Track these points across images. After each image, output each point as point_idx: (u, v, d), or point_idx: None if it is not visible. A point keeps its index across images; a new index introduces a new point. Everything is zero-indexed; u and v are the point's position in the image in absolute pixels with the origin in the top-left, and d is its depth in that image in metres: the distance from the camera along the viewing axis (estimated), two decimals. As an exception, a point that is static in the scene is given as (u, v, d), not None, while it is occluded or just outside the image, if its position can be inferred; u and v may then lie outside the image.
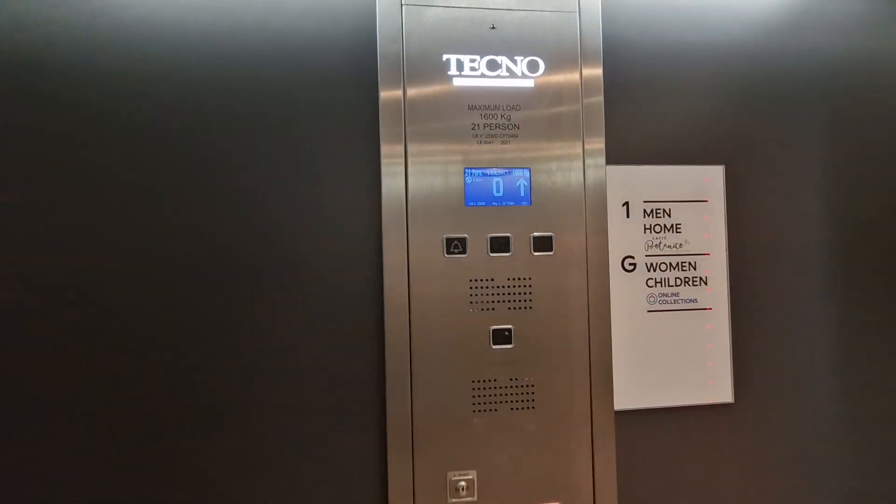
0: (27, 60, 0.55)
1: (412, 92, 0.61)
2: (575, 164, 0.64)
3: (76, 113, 0.56)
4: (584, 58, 0.65)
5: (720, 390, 0.67)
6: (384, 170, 0.61)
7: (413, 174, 0.61)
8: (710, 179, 0.68)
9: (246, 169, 0.59)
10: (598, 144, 0.65)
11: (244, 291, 0.59)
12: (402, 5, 0.61)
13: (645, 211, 0.67)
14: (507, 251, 0.62)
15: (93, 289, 0.56)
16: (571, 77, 0.64)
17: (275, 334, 0.59)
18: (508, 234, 0.62)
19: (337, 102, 0.61)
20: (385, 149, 0.61)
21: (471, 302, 0.62)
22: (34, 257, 0.55)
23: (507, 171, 0.63)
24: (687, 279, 0.67)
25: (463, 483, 0.61)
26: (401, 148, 0.61)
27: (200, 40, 0.59)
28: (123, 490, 0.56)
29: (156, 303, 0.57)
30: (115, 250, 0.56)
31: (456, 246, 0.61)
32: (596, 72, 0.65)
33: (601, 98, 0.65)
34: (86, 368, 0.56)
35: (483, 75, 0.63)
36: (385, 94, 0.61)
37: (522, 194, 0.63)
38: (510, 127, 0.63)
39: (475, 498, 0.61)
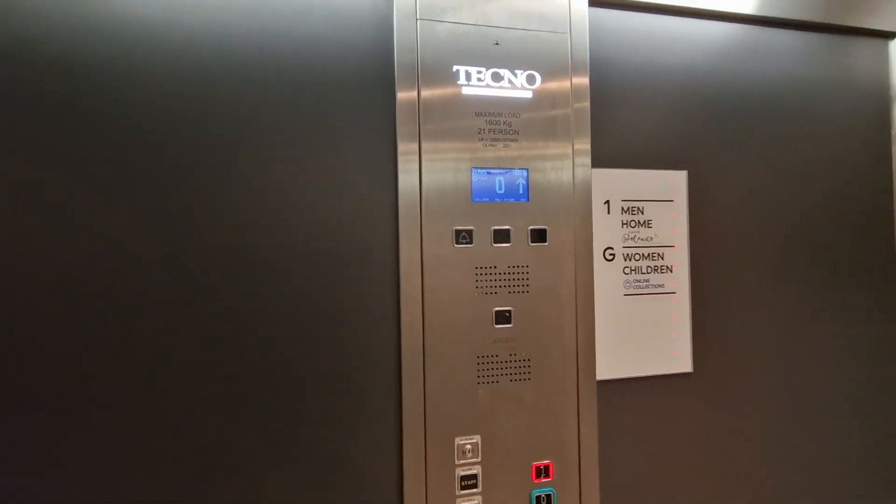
0: (63, 58, 0.58)
1: (426, 94, 0.68)
2: (566, 163, 0.73)
3: (106, 109, 0.59)
4: (574, 69, 0.74)
5: (682, 362, 0.79)
6: (400, 166, 0.67)
7: (426, 171, 0.68)
8: (676, 182, 0.79)
9: (274, 163, 0.64)
10: (585, 145, 0.74)
11: (271, 276, 0.64)
12: (417, 20, 0.68)
13: (622, 208, 0.77)
14: (508, 242, 0.71)
15: (102, 285, 0.59)
16: (563, 85, 0.73)
17: (301, 318, 0.64)
18: (509, 227, 0.71)
19: (358, 102, 0.67)
20: (402, 146, 0.67)
21: (476, 287, 0.70)
22: (40, 253, 0.57)
23: (508, 170, 0.71)
24: (656, 267, 0.78)
25: (469, 446, 0.69)
26: (415, 146, 0.68)
27: (233, 42, 0.63)
28: (136, 488, 0.60)
29: (181, 295, 0.61)
30: (138, 243, 0.60)
31: (464, 237, 0.69)
32: (584, 81, 0.74)
33: (587, 104, 0.74)
34: (92, 365, 0.59)
35: (488, 85, 0.70)
36: (402, 95, 0.67)
37: (521, 192, 0.71)
38: (511, 132, 0.71)
39: (479, 458, 0.69)
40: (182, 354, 0.61)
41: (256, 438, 0.63)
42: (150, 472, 0.60)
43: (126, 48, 0.60)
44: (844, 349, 0.87)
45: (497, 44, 0.71)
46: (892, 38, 0.91)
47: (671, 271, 0.79)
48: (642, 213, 0.78)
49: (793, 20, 0.85)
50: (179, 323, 0.61)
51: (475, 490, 0.69)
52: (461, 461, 0.68)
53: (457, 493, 0.68)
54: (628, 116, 0.78)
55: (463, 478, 0.68)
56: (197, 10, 0.62)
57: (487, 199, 0.70)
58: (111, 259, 0.59)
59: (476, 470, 0.69)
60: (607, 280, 0.76)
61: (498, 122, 0.71)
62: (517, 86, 0.71)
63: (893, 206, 0.91)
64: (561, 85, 0.73)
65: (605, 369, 0.76)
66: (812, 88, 0.88)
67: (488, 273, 0.70)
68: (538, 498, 0.71)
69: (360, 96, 0.67)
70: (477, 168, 0.70)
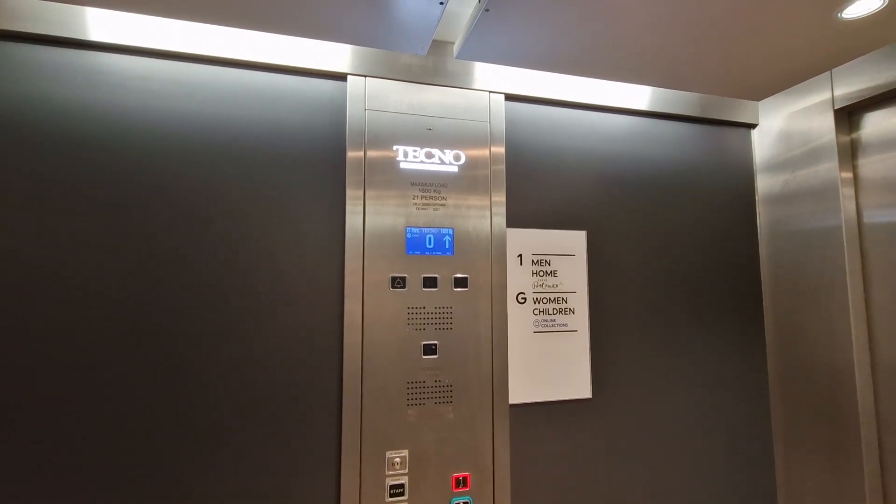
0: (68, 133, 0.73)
1: (371, 155, 0.85)
2: (485, 213, 0.90)
3: (100, 179, 0.74)
4: (493, 142, 0.92)
5: (582, 388, 0.95)
6: (348, 208, 0.83)
7: (370, 213, 0.84)
8: (576, 240, 0.98)
9: (244, 223, 0.79)
10: (501, 198, 0.91)
11: (234, 313, 0.77)
12: (365, 109, 0.86)
13: (532, 260, 0.95)
14: (436, 287, 0.87)
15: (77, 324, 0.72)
16: (483, 153, 0.92)
17: (258, 347, 0.78)
18: (436, 275, 0.87)
19: (315, 167, 0.83)
20: (349, 192, 0.83)
21: (408, 323, 0.85)
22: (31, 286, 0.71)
23: (436, 229, 0.88)
24: (561, 309, 0.95)
25: (398, 459, 0.82)
26: (361, 192, 0.84)
27: (215, 126, 0.79)
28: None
29: (150, 333, 0.74)
30: (120, 286, 0.73)
31: (398, 282, 0.85)
32: (500, 150, 0.93)
33: (503, 167, 0.92)
34: (63, 383, 0.71)
35: (422, 161, 0.88)
36: (351, 154, 0.84)
37: (447, 246, 0.88)
38: (440, 198, 0.88)
39: (406, 470, 0.82)
40: (141, 378, 0.73)
41: (208, 453, 0.75)
42: (102, 485, 0.71)
43: (123, 129, 0.75)
44: (716, 379, 1.05)
45: (430, 129, 0.89)
46: (754, 128, 1.15)
47: (573, 312, 0.96)
48: (549, 264, 0.96)
49: (676, 114, 1.08)
50: (149, 348, 0.74)
51: (402, 498, 0.81)
52: (391, 472, 0.81)
53: (386, 500, 0.81)
54: (538, 186, 0.97)
55: (392, 486, 0.81)
56: (188, 102, 0.78)
57: (419, 252, 0.87)
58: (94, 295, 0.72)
59: (404, 480, 0.82)
60: (519, 319, 0.93)
61: (429, 190, 0.88)
62: (446, 162, 0.90)
63: (759, 261, 1.11)
64: (481, 153, 0.92)
65: (518, 394, 0.91)
66: (690, 166, 1.09)
67: (418, 312, 0.85)
68: (457, 505, 0.84)
69: (317, 162, 0.84)
70: (411, 227, 0.86)
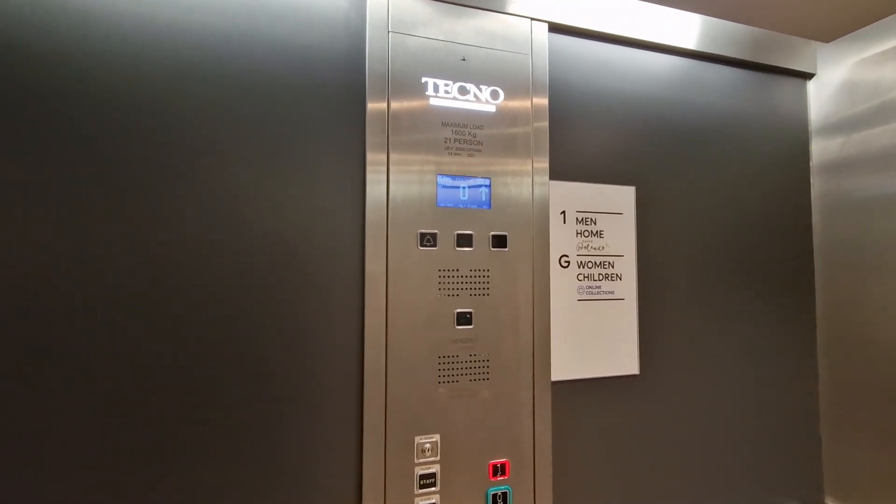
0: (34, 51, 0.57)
1: (395, 105, 0.71)
2: (525, 179, 0.78)
3: (72, 104, 0.58)
4: (535, 90, 0.79)
5: (629, 364, 0.84)
6: (369, 176, 0.69)
7: (394, 181, 0.70)
8: (625, 196, 0.86)
9: (242, 165, 0.65)
10: (544, 164, 0.79)
11: (237, 275, 0.64)
12: (388, 32, 0.71)
13: (577, 219, 0.83)
14: (471, 246, 0.74)
15: (64, 291, 0.58)
16: (524, 104, 0.78)
17: (267, 318, 0.65)
18: (472, 232, 0.74)
19: (329, 95, 0.69)
20: (370, 132, 0.69)
21: (439, 289, 0.72)
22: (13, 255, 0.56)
23: (472, 178, 0.75)
24: (607, 275, 0.84)
25: (428, 445, 0.70)
26: (384, 156, 0.70)
27: (207, 41, 0.64)
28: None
29: (142, 300, 0.60)
30: (98, 247, 0.59)
31: (428, 240, 0.72)
32: (543, 101, 0.80)
33: (546, 124, 0.80)
34: (56, 370, 0.57)
35: (455, 98, 0.74)
36: (372, 106, 0.70)
37: (484, 199, 0.75)
38: (475, 143, 0.75)
39: (438, 457, 0.71)
40: (148, 349, 0.59)
41: (220, 436, 0.62)
42: (114, 470, 0.57)
43: (95, 42, 0.59)
44: (765, 353, 0.96)
45: (464, 59, 0.75)
46: (810, 79, 1.03)
47: (621, 279, 0.85)
48: (595, 223, 0.84)
49: (726, 56, 0.96)
50: (144, 320, 0.59)
51: (433, 489, 0.70)
52: (420, 460, 0.70)
53: (415, 491, 0.69)
54: (583, 134, 0.84)
55: (422, 476, 0.69)
56: (171, 8, 0.63)
57: (451, 205, 0.73)
58: (72, 255, 0.57)
59: (435, 469, 0.70)
60: (563, 285, 0.81)
61: (463, 132, 0.74)
62: (482, 100, 0.76)
63: (811, 226, 1.01)
64: (522, 104, 0.78)
65: (561, 371, 0.79)
66: (741, 118, 0.98)
67: (451, 275, 0.73)
68: (494, 496, 0.73)
69: (329, 93, 0.69)
70: (442, 175, 0.73)
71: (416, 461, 0.70)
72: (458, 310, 0.73)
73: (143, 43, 0.61)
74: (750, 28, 0.97)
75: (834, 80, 0.99)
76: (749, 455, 0.93)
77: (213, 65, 0.64)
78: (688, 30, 0.91)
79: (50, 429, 0.56)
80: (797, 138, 1.02)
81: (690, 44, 0.92)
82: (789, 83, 1.03)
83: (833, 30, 0.92)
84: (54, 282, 0.56)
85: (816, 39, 0.99)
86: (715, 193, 0.94)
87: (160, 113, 0.61)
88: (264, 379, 0.64)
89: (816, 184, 1.02)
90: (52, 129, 0.57)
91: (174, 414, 0.60)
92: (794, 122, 1.02)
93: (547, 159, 0.79)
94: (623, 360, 0.84)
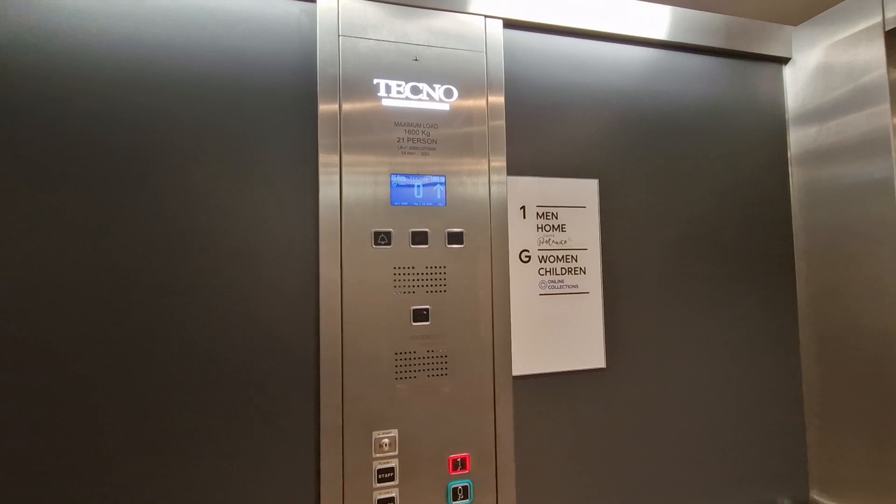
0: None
1: (347, 107, 0.73)
2: (482, 178, 0.78)
3: (28, 113, 0.61)
4: (490, 88, 0.80)
5: (595, 358, 0.84)
6: (322, 178, 0.71)
7: (346, 182, 0.72)
8: (588, 190, 0.86)
9: (196, 170, 0.67)
10: (501, 162, 0.79)
11: (197, 279, 0.66)
12: (339, 36, 0.73)
13: (538, 213, 0.83)
14: (426, 244, 0.75)
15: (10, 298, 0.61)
16: (479, 103, 0.79)
17: (221, 314, 0.67)
18: (427, 230, 0.75)
19: (281, 97, 0.71)
20: (322, 132, 0.71)
21: (395, 286, 0.73)
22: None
23: (426, 177, 0.76)
24: (570, 269, 0.84)
25: (386, 440, 0.72)
26: (336, 157, 0.72)
27: (159, 54, 0.66)
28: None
29: (95, 303, 0.63)
30: (51, 251, 0.62)
31: (382, 238, 0.73)
32: (499, 100, 0.80)
33: (503, 122, 0.80)
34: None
35: (407, 98, 0.75)
36: (323, 107, 0.72)
37: (439, 197, 0.76)
38: (429, 142, 0.76)
39: (396, 452, 0.72)
40: (99, 350, 0.62)
41: (178, 436, 0.64)
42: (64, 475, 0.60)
43: (40, 57, 0.62)
44: (743, 346, 0.94)
45: (416, 60, 0.76)
46: (786, 63, 1.01)
47: (585, 272, 0.84)
48: (556, 217, 0.84)
49: (697, 45, 0.94)
50: (97, 324, 0.62)
51: (392, 483, 0.71)
52: (378, 455, 0.71)
53: (374, 485, 0.70)
54: (544, 129, 0.84)
55: (380, 471, 0.71)
56: (125, 22, 0.65)
57: (406, 204, 0.74)
58: (25, 260, 0.60)
59: (393, 463, 0.71)
60: (523, 280, 0.81)
61: (416, 132, 0.75)
62: (435, 99, 0.77)
63: (791, 215, 0.99)
64: (477, 102, 0.79)
65: (523, 365, 0.80)
66: (716, 106, 0.96)
67: (406, 273, 0.74)
68: (455, 490, 0.73)
69: (281, 95, 0.71)
70: (396, 175, 0.74)
71: (374, 456, 0.71)
72: (415, 307, 0.74)
73: (100, 55, 0.64)
74: (721, 15, 0.95)
75: (809, 64, 0.97)
76: (729, 449, 0.92)
77: (166, 75, 0.66)
78: (654, 20, 0.91)
79: None
80: (775, 125, 1.00)
81: (658, 34, 0.91)
82: (765, 69, 1.01)
83: (802, 12, 0.90)
84: (2, 286, 0.59)
85: (784, 23, 0.96)
86: (688, 184, 0.92)
87: (116, 121, 0.64)
88: (220, 379, 0.66)
89: (795, 172, 0.99)
90: (9, 144, 0.60)
91: (126, 415, 0.63)
92: (772, 109, 1.00)
93: (504, 157, 0.79)
94: (589, 353, 0.84)
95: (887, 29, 0.83)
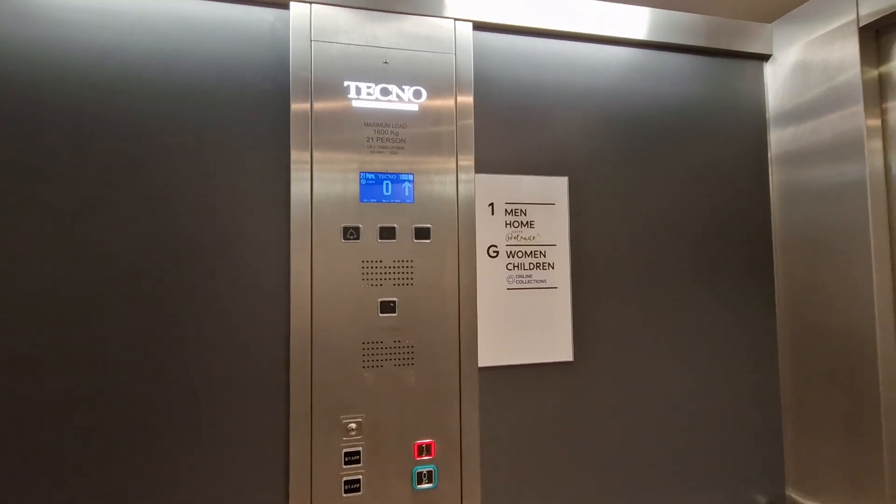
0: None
1: (318, 106, 0.76)
2: (449, 176, 0.81)
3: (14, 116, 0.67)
4: (459, 89, 0.82)
5: (562, 351, 0.86)
6: (293, 174, 0.75)
7: (318, 180, 0.75)
8: (557, 187, 0.88)
9: (172, 169, 0.72)
10: (469, 161, 0.82)
11: (172, 274, 0.71)
12: (311, 41, 0.77)
13: (506, 210, 0.85)
14: (394, 238, 0.78)
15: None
16: (448, 103, 0.82)
17: (194, 306, 0.71)
18: (395, 225, 0.78)
19: (256, 98, 0.75)
20: (294, 130, 0.75)
21: (363, 278, 0.77)
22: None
23: (394, 175, 0.79)
24: (538, 264, 0.86)
25: (353, 425, 0.75)
26: (308, 155, 0.75)
27: (141, 60, 0.71)
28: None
29: (70, 299, 0.68)
30: (29, 248, 0.67)
31: (351, 233, 0.77)
32: (468, 99, 0.83)
33: (472, 121, 0.83)
34: None
35: (377, 99, 0.79)
36: (295, 107, 0.76)
37: (407, 194, 0.79)
38: (398, 141, 0.79)
39: (362, 437, 0.75)
40: (78, 346, 0.67)
41: (146, 419, 0.69)
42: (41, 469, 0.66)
43: (28, 66, 0.68)
44: (717, 341, 0.95)
45: (386, 62, 0.80)
46: (766, 60, 1.01)
47: (552, 267, 0.86)
48: (525, 214, 0.86)
49: (675, 44, 0.95)
50: (71, 319, 0.67)
51: (358, 465, 0.75)
52: (346, 439, 0.75)
53: (342, 467, 0.74)
54: (513, 128, 0.87)
55: (347, 454, 0.74)
56: (109, 31, 0.70)
57: (375, 201, 0.78)
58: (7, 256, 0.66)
59: (360, 447, 0.75)
60: (491, 275, 0.84)
61: (385, 131, 0.79)
62: (405, 100, 0.80)
63: (770, 214, 0.99)
64: (446, 102, 0.82)
65: (489, 357, 0.82)
66: (694, 105, 0.97)
67: (374, 266, 0.77)
68: (419, 474, 0.77)
69: (256, 96, 0.75)
70: (365, 173, 0.78)
71: (342, 440, 0.75)
72: (382, 299, 0.77)
73: (82, 63, 0.69)
74: (699, 15, 0.96)
75: (788, 62, 0.97)
76: (702, 447, 0.93)
77: (146, 80, 0.71)
78: (629, 21, 0.92)
79: None
80: (755, 123, 1.00)
81: (635, 34, 0.92)
82: (745, 66, 1.01)
83: (776, 9, 0.90)
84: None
85: (758, 20, 0.96)
86: (663, 182, 0.93)
87: (97, 124, 0.69)
88: (193, 368, 0.71)
89: (775, 171, 0.99)
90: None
91: (100, 404, 0.68)
92: (752, 106, 1.00)
93: (472, 156, 0.82)
94: (556, 347, 0.86)
95: (861, 25, 0.83)
